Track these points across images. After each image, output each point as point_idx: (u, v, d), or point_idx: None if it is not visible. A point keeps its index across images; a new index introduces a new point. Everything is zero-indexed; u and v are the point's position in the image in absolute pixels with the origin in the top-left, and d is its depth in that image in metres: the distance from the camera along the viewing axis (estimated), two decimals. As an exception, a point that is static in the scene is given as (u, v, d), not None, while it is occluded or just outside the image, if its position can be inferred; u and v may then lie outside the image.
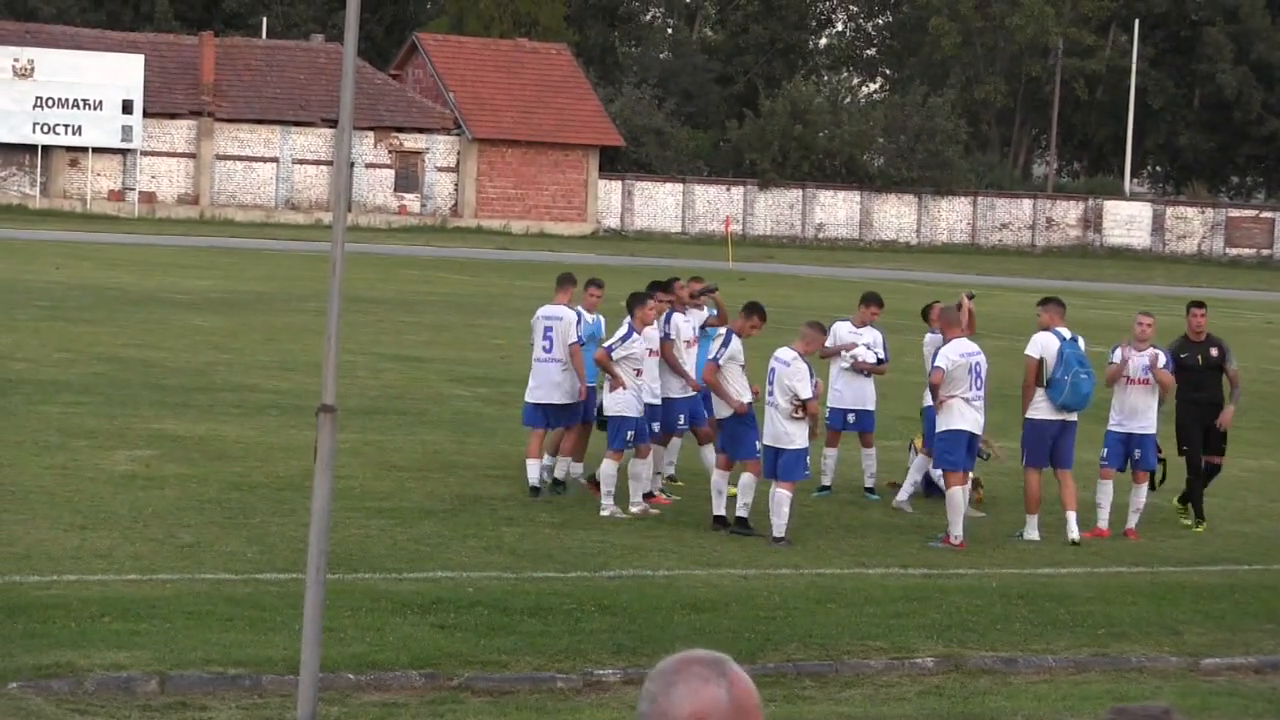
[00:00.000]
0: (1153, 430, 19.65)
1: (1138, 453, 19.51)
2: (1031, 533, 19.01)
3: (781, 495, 17.95)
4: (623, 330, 19.17)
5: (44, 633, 13.32)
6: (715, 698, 4.43)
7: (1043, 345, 19.07)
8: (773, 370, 18.22)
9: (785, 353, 18.25)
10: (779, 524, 17.97)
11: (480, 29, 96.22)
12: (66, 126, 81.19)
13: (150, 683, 12.44)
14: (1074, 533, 18.91)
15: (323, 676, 11.26)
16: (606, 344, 19.17)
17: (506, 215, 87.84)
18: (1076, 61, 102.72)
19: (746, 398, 18.58)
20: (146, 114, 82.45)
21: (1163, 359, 19.66)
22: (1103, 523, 19.48)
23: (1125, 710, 4.49)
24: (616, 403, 19.06)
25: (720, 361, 18.63)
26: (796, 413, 17.89)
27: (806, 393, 17.90)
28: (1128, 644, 14.86)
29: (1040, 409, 19.03)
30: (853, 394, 21.04)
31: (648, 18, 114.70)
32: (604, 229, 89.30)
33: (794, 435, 17.99)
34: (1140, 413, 19.46)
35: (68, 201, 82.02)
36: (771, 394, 18.14)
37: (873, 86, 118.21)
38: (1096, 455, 19.98)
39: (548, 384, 19.79)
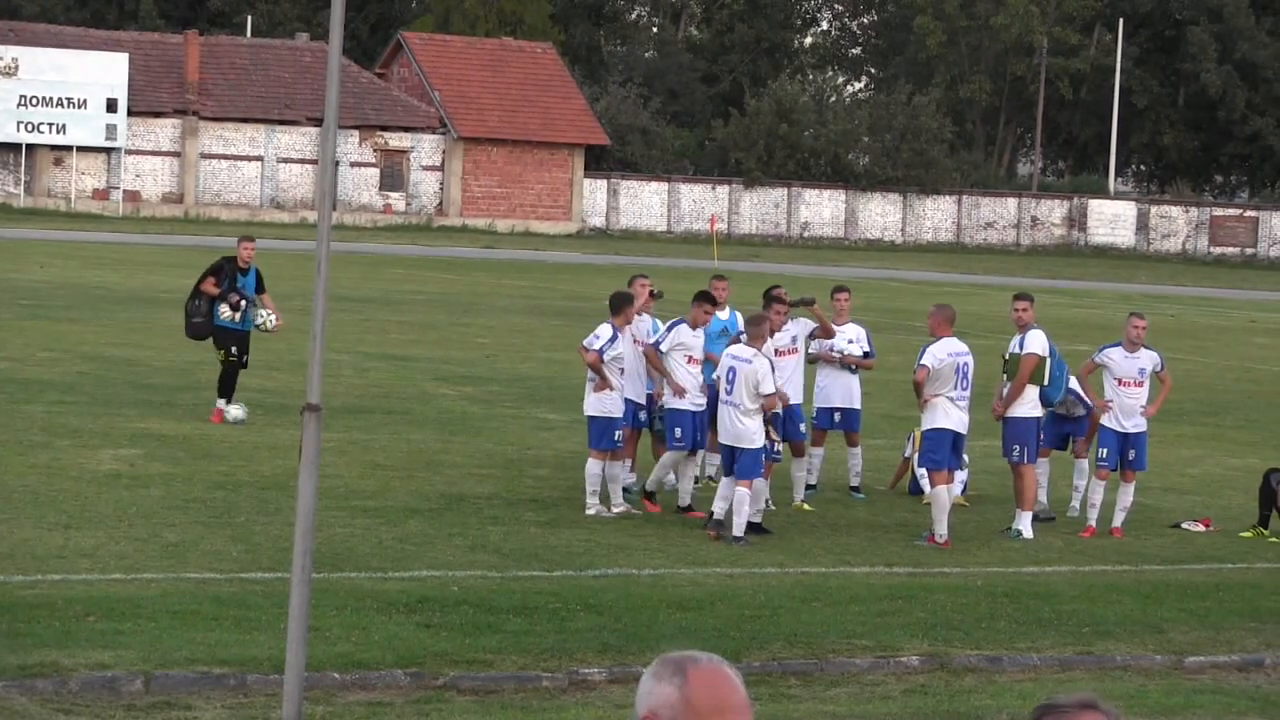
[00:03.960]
0: (1145, 429, 19.71)
1: (1132, 453, 19.56)
2: (1027, 529, 19.04)
3: (742, 494, 17.92)
4: (609, 332, 19.17)
5: (28, 632, 13.29)
6: (665, 696, 4.45)
7: (1042, 344, 19.13)
8: (731, 370, 18.14)
9: (743, 350, 18.25)
10: (739, 523, 17.94)
11: (465, 28, 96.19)
12: (51, 125, 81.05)
13: (135, 682, 12.43)
14: (1029, 531, 19.05)
15: (308, 676, 11.25)
16: (597, 347, 19.14)
17: (492, 214, 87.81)
18: (1061, 61, 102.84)
19: (688, 384, 19.03)
20: (131, 112, 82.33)
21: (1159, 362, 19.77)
22: (1092, 521, 19.51)
23: (1051, 703, 4.50)
24: (601, 404, 19.06)
25: (664, 348, 19.11)
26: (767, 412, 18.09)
27: (769, 388, 17.91)
28: (1112, 642, 14.88)
29: (1034, 406, 19.12)
30: (839, 392, 20.99)
31: (633, 16, 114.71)
32: (589, 228, 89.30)
33: (752, 434, 17.97)
34: (1133, 413, 19.52)
35: (52, 200, 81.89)
36: (729, 392, 18.11)
37: (858, 85, 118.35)
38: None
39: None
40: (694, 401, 19.21)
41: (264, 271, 24.95)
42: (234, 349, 23.57)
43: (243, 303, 23.51)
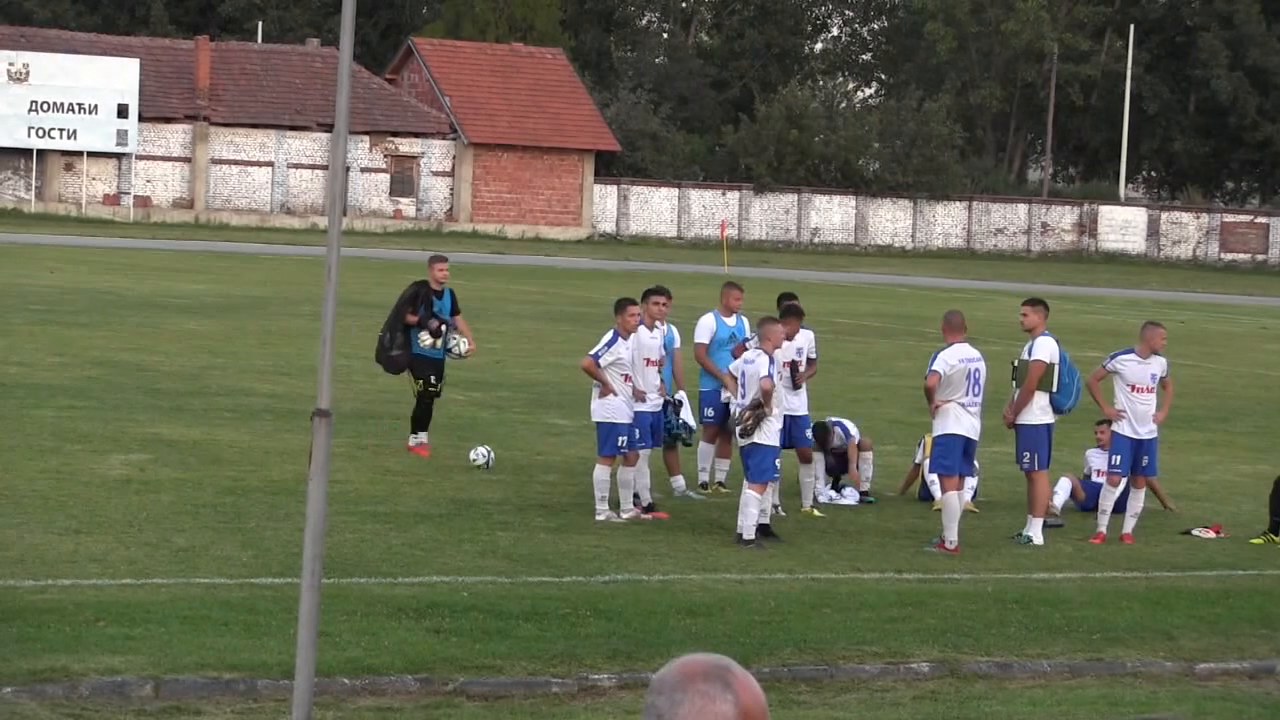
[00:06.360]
0: (1156, 435, 19.69)
1: (1144, 459, 19.53)
2: (1038, 536, 19.01)
3: (749, 496, 17.91)
4: (607, 336, 19.20)
5: (38, 637, 13.30)
6: (724, 715, 4.36)
7: (1050, 350, 19.07)
8: (744, 374, 18.25)
9: (750, 354, 18.43)
10: (745, 524, 17.93)
11: (476, 33, 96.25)
12: (62, 130, 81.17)
13: (145, 687, 12.43)
14: (1039, 537, 19.01)
15: (317, 681, 11.24)
16: (592, 351, 19.19)
17: (502, 219, 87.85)
18: (1072, 67, 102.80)
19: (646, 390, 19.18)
20: (142, 118, 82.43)
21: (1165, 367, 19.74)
22: (1103, 528, 19.45)
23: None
24: (605, 409, 19.05)
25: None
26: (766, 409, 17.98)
27: (764, 371, 17.94)
28: (1123, 649, 14.86)
29: (1045, 413, 19.06)
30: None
31: (643, 22, 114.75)
32: (599, 233, 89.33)
33: (765, 433, 17.98)
34: (1146, 419, 19.49)
35: (63, 205, 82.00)
36: (744, 396, 18.17)
37: (868, 91, 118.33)
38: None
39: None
40: (652, 403, 19.46)
41: (271, 277, 24.89)
42: (433, 378, 21.95)
43: (443, 327, 21.85)
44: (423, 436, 22.19)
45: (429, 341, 21.94)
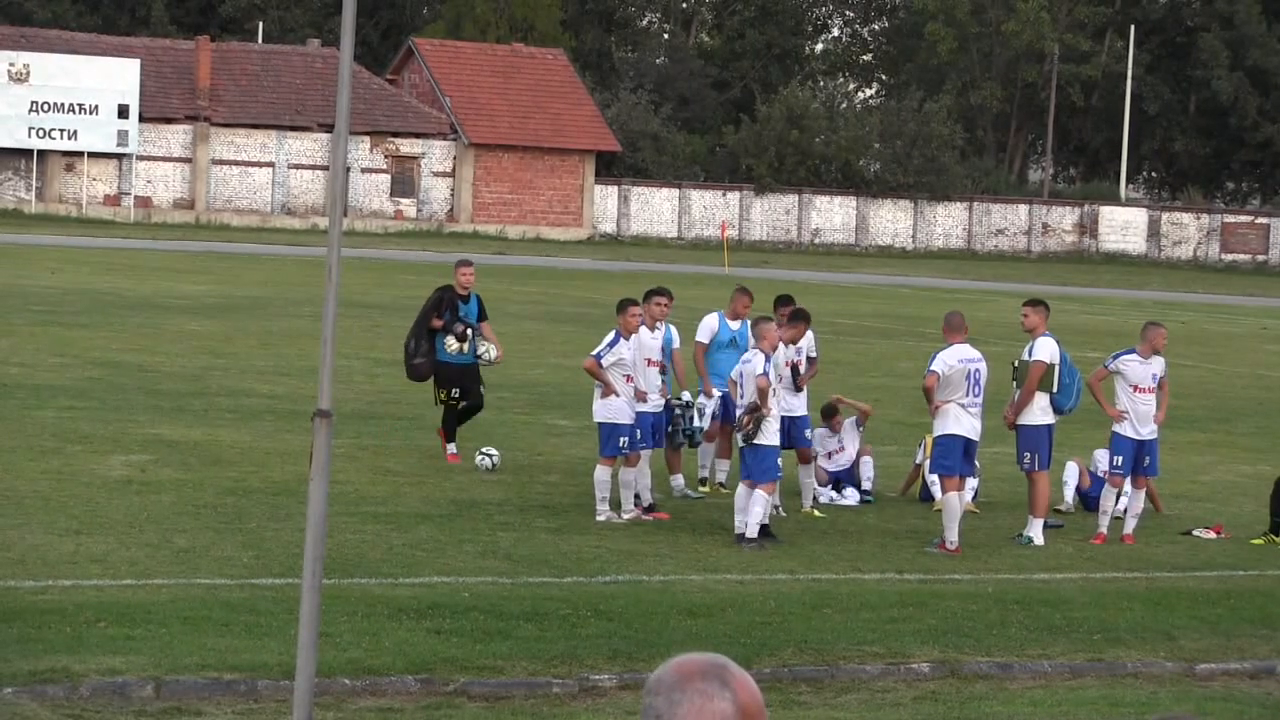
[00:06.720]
0: (1157, 435, 19.69)
1: (1146, 459, 19.53)
2: (1038, 536, 19.00)
3: (757, 495, 17.92)
4: (609, 337, 19.22)
5: (39, 638, 13.31)
6: (723, 713, 4.37)
7: (1051, 351, 19.07)
8: (741, 374, 18.28)
9: (748, 353, 18.49)
10: (747, 521, 17.90)
11: (476, 34, 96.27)
12: (62, 131, 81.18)
13: (146, 688, 12.44)
14: (1040, 538, 19.00)
15: (318, 682, 11.25)
16: (595, 351, 19.20)
17: (502, 220, 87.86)
18: (1072, 67, 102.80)
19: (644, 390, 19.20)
20: (142, 119, 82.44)
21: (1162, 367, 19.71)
22: (1104, 528, 19.44)
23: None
24: (607, 409, 19.05)
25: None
26: (765, 409, 17.94)
27: (760, 369, 17.94)
28: (1123, 649, 14.87)
29: (1045, 413, 19.06)
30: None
31: (644, 23, 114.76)
32: (600, 234, 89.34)
33: (765, 433, 18.00)
34: (1148, 419, 19.49)
35: (63, 206, 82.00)
36: (743, 396, 18.19)
37: (869, 92, 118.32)
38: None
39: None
40: (654, 403, 19.48)
41: (272, 278, 24.87)
42: (455, 391, 21.45)
43: (469, 331, 21.44)
44: (451, 446, 21.86)
45: (455, 346, 21.55)
